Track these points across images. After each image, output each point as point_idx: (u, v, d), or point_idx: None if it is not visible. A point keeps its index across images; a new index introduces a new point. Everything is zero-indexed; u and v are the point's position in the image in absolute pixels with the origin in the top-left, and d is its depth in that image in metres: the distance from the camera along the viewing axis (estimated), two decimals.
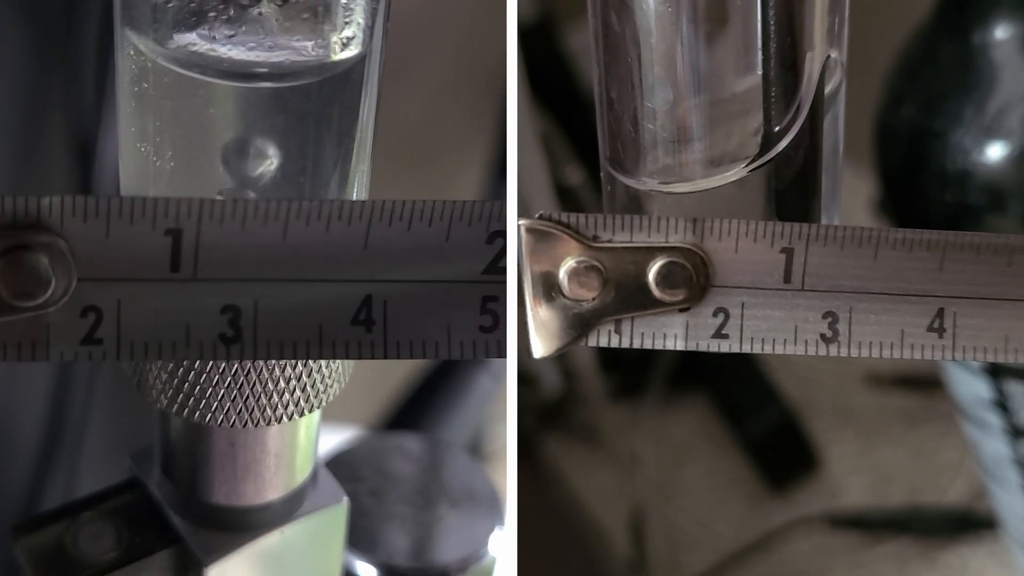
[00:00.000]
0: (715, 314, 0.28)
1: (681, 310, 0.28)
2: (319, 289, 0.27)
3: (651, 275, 0.28)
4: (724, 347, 0.28)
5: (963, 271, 0.28)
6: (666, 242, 0.28)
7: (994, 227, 0.41)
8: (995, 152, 0.40)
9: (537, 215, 0.28)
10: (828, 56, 0.31)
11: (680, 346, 0.28)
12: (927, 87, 0.42)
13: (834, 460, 0.64)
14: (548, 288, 0.28)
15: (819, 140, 0.31)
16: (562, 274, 0.28)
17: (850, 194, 0.36)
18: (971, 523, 0.59)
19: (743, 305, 0.28)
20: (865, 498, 0.62)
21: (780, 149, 0.30)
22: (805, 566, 0.60)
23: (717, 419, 0.66)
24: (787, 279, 0.28)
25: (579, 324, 0.28)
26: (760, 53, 0.29)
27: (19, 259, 0.25)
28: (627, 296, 0.28)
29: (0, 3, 0.42)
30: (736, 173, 0.30)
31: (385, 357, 0.28)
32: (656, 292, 0.28)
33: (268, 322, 0.27)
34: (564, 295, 0.28)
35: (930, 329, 0.28)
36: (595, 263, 0.28)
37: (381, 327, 0.28)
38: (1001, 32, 0.40)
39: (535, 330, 0.28)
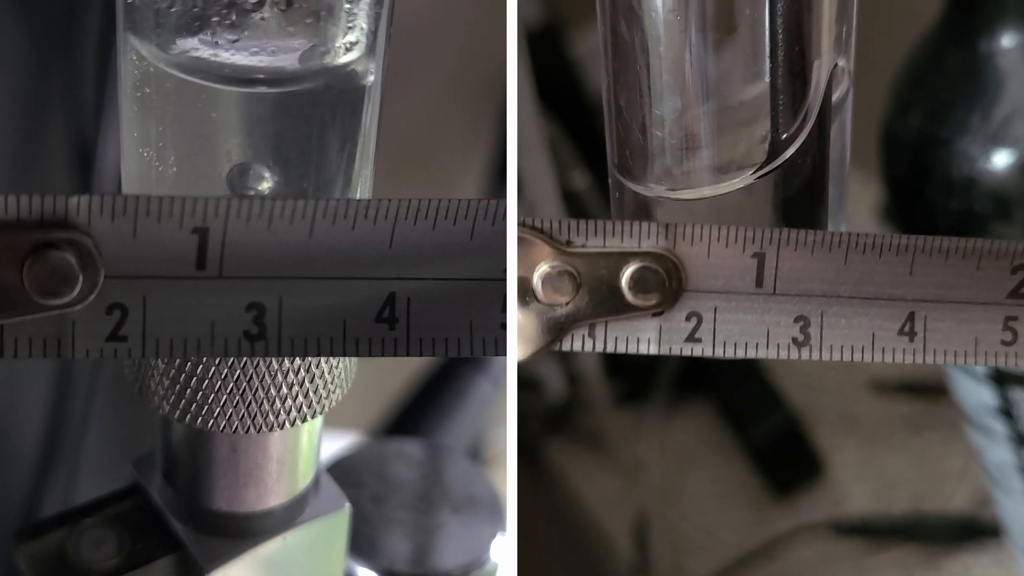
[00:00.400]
0: (688, 318, 0.29)
1: (654, 314, 0.28)
2: (344, 287, 0.27)
3: (624, 280, 0.28)
4: (697, 351, 0.29)
5: (932, 275, 0.28)
6: (639, 247, 0.28)
7: (1000, 234, 0.41)
8: (1001, 160, 0.40)
9: None
10: (836, 64, 0.31)
11: (653, 350, 0.29)
12: (933, 95, 0.42)
13: (838, 467, 0.64)
14: (523, 293, 0.28)
15: (826, 148, 0.31)
16: (536, 279, 0.28)
17: (855, 201, 0.36)
18: (975, 530, 0.59)
19: (715, 309, 0.28)
20: (869, 505, 0.62)
21: (787, 156, 0.30)
22: (809, 573, 0.60)
23: (721, 425, 0.66)
24: (759, 283, 0.28)
25: (554, 328, 0.29)
26: (768, 61, 0.30)
27: (46, 257, 0.25)
28: (600, 301, 0.28)
29: (0, 7, 0.42)
30: (743, 180, 0.31)
31: (408, 354, 0.28)
32: (629, 297, 0.28)
33: (293, 319, 0.27)
34: (538, 300, 0.28)
35: (901, 332, 0.29)
36: (569, 268, 0.28)
37: (404, 324, 0.28)
38: (1007, 40, 0.40)
39: None
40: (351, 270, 0.27)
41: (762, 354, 0.29)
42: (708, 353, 0.29)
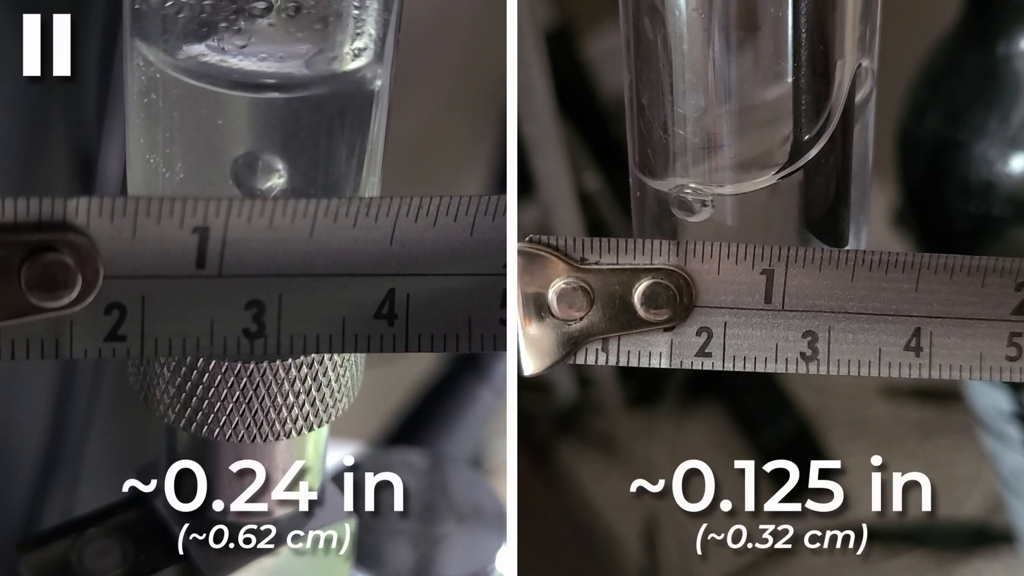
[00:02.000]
0: (698, 333, 0.29)
1: (666, 329, 0.29)
2: (343, 284, 0.27)
3: (636, 295, 0.29)
4: (707, 365, 0.30)
5: (938, 292, 0.29)
6: (650, 264, 0.29)
7: (1017, 239, 0.41)
8: (1019, 164, 0.40)
9: (528, 238, 0.29)
10: (859, 64, 0.31)
11: (664, 364, 0.30)
12: (951, 98, 0.42)
13: (848, 472, 0.63)
14: (539, 308, 0.29)
15: (849, 149, 0.31)
16: (551, 295, 0.29)
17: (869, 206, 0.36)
18: (987, 536, 0.59)
19: (725, 324, 0.29)
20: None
21: (810, 157, 0.31)
22: None
23: (732, 428, 0.66)
24: (767, 299, 0.29)
25: (568, 342, 0.29)
26: (791, 60, 0.30)
27: (44, 260, 0.26)
28: (613, 316, 0.29)
29: (0, 11, 0.42)
30: (765, 181, 0.31)
31: (406, 350, 0.28)
32: (641, 312, 0.29)
33: (292, 317, 0.27)
34: (553, 315, 0.29)
35: (907, 348, 0.30)
36: (583, 284, 0.29)
37: (403, 321, 0.28)
38: None
39: (526, 348, 0.29)
40: (351, 267, 0.27)
41: (771, 368, 0.29)
42: (718, 367, 0.30)
